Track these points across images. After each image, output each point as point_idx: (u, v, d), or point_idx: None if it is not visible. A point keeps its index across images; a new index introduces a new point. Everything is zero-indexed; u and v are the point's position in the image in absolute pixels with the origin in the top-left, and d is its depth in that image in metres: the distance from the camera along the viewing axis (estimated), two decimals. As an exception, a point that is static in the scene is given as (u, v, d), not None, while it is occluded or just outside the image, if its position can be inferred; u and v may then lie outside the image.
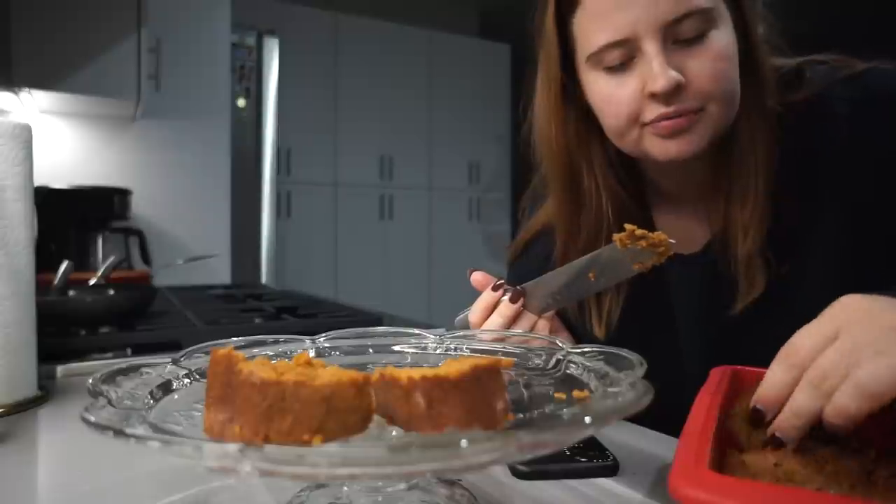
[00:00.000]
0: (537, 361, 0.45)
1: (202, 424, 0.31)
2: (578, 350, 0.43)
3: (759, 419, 0.39)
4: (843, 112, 0.59)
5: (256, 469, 0.25)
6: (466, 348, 0.49)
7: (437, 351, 0.49)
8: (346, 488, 0.37)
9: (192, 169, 2.30)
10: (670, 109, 0.55)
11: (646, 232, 0.54)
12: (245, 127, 2.83)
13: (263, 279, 2.90)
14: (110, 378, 0.35)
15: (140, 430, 0.28)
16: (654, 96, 0.56)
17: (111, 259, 1.28)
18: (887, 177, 0.58)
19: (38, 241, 0.67)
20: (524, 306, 0.63)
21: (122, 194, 1.87)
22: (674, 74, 0.54)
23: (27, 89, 1.65)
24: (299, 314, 1.13)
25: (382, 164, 3.67)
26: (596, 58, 0.58)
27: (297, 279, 3.19)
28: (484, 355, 0.47)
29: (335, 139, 3.51)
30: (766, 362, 0.41)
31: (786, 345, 0.40)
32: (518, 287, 0.63)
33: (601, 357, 0.40)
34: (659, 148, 0.58)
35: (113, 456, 0.50)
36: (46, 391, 0.67)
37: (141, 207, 2.10)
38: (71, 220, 1.77)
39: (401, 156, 3.72)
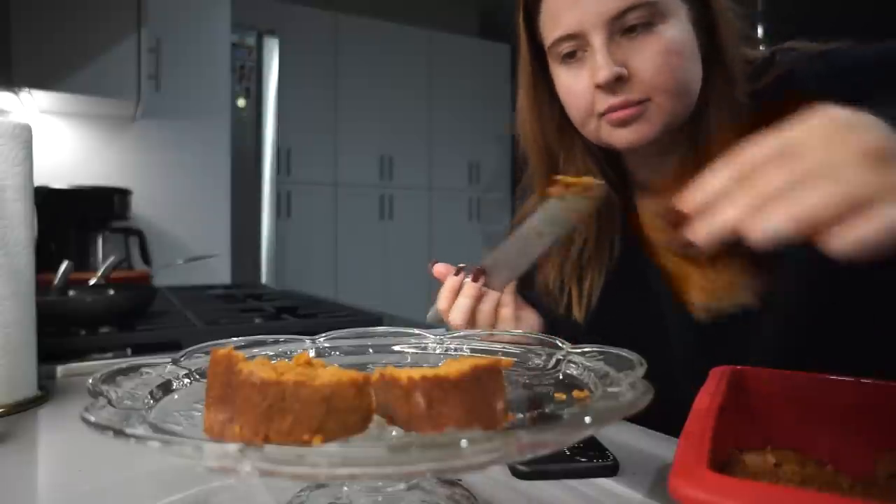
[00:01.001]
0: (537, 361, 0.45)
1: (202, 424, 0.31)
2: (578, 350, 0.43)
3: (677, 219, 0.38)
4: (812, 87, 0.59)
5: (256, 469, 0.25)
6: (466, 348, 0.49)
7: (437, 351, 0.49)
8: (346, 488, 0.37)
9: (192, 169, 2.30)
10: (617, 100, 0.59)
11: (575, 179, 0.58)
12: (245, 127, 2.83)
13: (263, 279, 2.90)
14: (110, 378, 0.35)
15: (140, 430, 0.28)
16: (599, 87, 0.59)
17: (111, 259, 1.27)
18: None
19: (38, 241, 0.67)
20: (487, 284, 0.66)
21: (122, 194, 1.87)
22: (615, 68, 0.58)
23: (27, 89, 1.65)
24: (299, 314, 1.13)
25: (382, 164, 3.67)
26: (553, 51, 0.63)
27: (297, 279, 3.19)
28: (484, 355, 0.47)
29: (335, 139, 3.51)
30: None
31: (737, 152, 0.37)
32: (477, 266, 0.66)
33: (601, 357, 0.40)
34: (615, 136, 0.62)
35: (113, 456, 0.50)
36: (46, 391, 0.67)
37: (141, 207, 2.10)
38: (71, 220, 1.77)
39: (401, 156, 3.72)
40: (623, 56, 0.58)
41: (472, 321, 0.65)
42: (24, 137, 0.64)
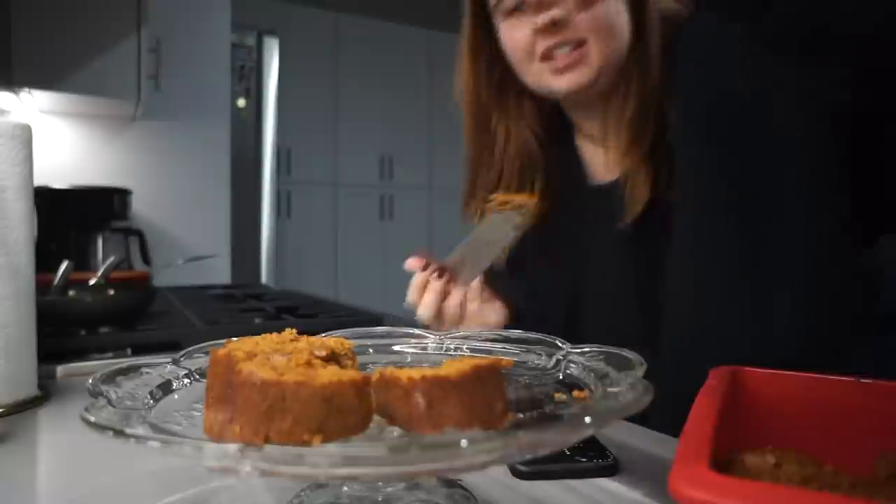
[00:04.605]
0: (537, 361, 0.45)
1: (202, 424, 0.31)
2: (578, 350, 0.43)
3: None
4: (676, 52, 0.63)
5: (256, 469, 0.25)
6: (466, 348, 0.49)
7: (437, 351, 0.49)
8: (346, 488, 0.37)
9: (192, 169, 2.30)
10: (555, 41, 0.64)
11: (509, 197, 0.66)
12: (245, 127, 2.83)
13: (263, 279, 2.90)
14: (110, 378, 0.35)
15: (140, 430, 0.28)
16: (538, 32, 0.64)
17: (111, 259, 1.27)
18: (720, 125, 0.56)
19: (38, 241, 0.67)
20: (453, 280, 0.69)
21: (122, 194, 1.87)
22: (553, 10, 0.62)
23: (27, 89, 1.65)
24: (299, 314, 1.13)
25: (382, 164, 3.67)
26: (498, 8, 0.68)
27: (297, 279, 3.19)
28: (484, 355, 0.47)
29: (335, 139, 3.51)
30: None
31: None
32: (440, 263, 0.70)
33: (601, 357, 0.40)
34: (556, 82, 0.67)
35: (113, 456, 0.50)
36: (46, 391, 0.67)
37: (141, 207, 2.10)
38: (71, 220, 1.76)
39: (401, 156, 3.72)
40: (559, 2, 0.63)
41: (439, 315, 0.68)
42: (24, 137, 0.64)
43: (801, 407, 0.42)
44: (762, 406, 0.43)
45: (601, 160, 0.75)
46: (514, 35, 0.67)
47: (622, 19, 0.65)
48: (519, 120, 0.76)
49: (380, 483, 0.36)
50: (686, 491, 0.26)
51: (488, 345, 0.49)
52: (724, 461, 0.36)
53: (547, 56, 0.65)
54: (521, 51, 0.68)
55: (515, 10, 0.66)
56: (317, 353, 0.35)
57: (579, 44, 0.64)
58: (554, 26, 0.63)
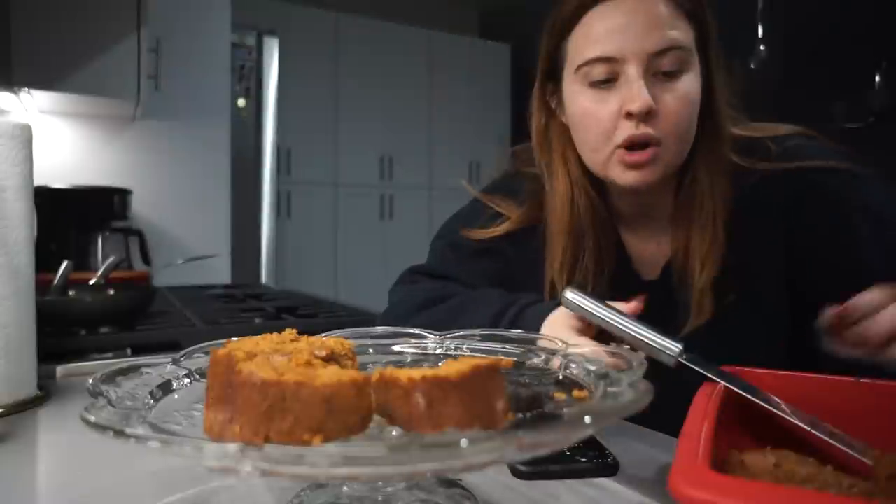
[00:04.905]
0: (537, 361, 0.45)
1: (202, 424, 0.31)
2: (578, 350, 0.43)
3: (843, 323, 0.50)
4: (779, 200, 0.67)
5: (256, 469, 0.25)
6: (466, 348, 0.49)
7: (437, 351, 0.49)
8: (346, 488, 0.37)
9: (192, 169, 2.30)
10: (638, 132, 0.61)
11: None
12: (245, 127, 2.83)
13: (263, 279, 2.90)
14: (110, 378, 0.35)
15: (140, 430, 0.28)
16: (629, 116, 0.61)
17: (111, 259, 1.27)
18: (814, 265, 0.66)
19: (38, 241, 0.67)
20: None
21: (122, 194, 1.87)
22: (650, 99, 0.60)
23: (27, 89, 1.65)
24: (299, 314, 1.13)
25: (382, 164, 3.67)
26: (583, 70, 0.64)
27: (297, 279, 3.19)
28: (484, 355, 0.47)
29: (335, 139, 3.51)
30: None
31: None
32: None
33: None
34: (622, 175, 0.64)
35: (113, 456, 0.50)
36: (46, 391, 0.67)
37: (141, 207, 2.10)
38: (71, 220, 1.76)
39: (401, 156, 3.72)
40: (653, 93, 0.61)
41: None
42: (24, 137, 0.64)
43: (801, 407, 0.42)
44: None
45: (643, 248, 0.74)
46: (598, 112, 0.64)
47: (695, 123, 0.64)
48: (578, 176, 0.71)
49: (380, 483, 0.36)
50: (686, 490, 0.26)
51: (488, 345, 0.49)
52: (723, 461, 0.37)
53: (624, 145, 0.62)
54: (599, 128, 0.64)
55: (605, 83, 0.63)
56: (317, 353, 0.35)
57: (656, 142, 0.62)
58: (647, 115, 0.60)
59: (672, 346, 0.48)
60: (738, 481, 0.26)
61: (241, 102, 2.81)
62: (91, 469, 0.48)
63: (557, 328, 0.59)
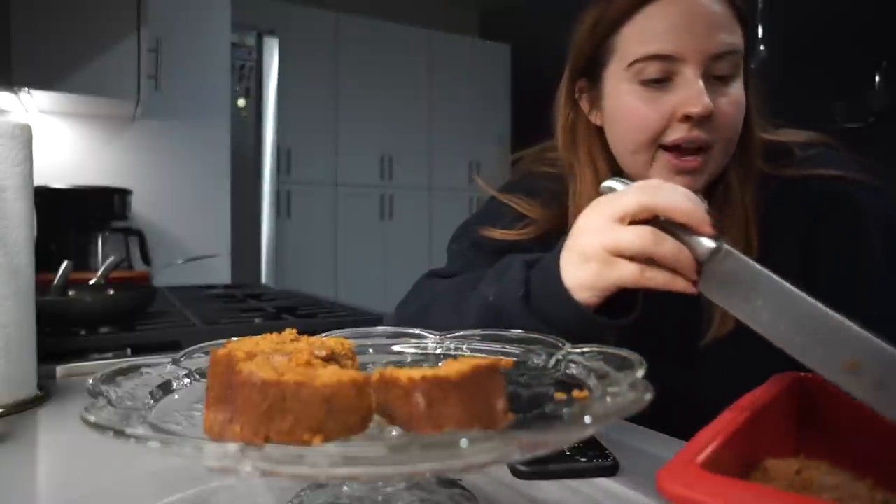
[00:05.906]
0: (537, 361, 0.45)
1: (202, 424, 0.31)
2: (578, 350, 0.43)
3: None
4: (798, 209, 0.66)
5: (256, 469, 0.25)
6: (466, 348, 0.49)
7: (437, 351, 0.49)
8: (346, 488, 0.37)
9: (192, 169, 2.30)
10: (693, 135, 0.59)
11: None
12: (245, 127, 2.83)
13: (263, 279, 2.90)
14: (110, 378, 0.35)
15: (140, 430, 0.28)
16: (686, 118, 0.59)
17: (111, 259, 1.27)
18: (836, 272, 0.64)
19: (38, 241, 0.67)
20: None
21: (122, 194, 1.87)
22: (710, 103, 0.58)
23: (27, 89, 1.65)
24: (299, 314, 1.12)
25: (382, 164, 3.67)
26: (636, 67, 0.61)
27: (297, 279, 3.19)
28: (484, 355, 0.47)
29: (335, 139, 3.51)
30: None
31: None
32: None
33: (601, 357, 0.40)
34: (669, 180, 0.60)
35: (113, 456, 0.50)
36: (46, 391, 0.67)
37: (141, 207, 2.10)
38: (71, 220, 1.76)
39: (401, 156, 3.72)
40: (710, 96, 0.59)
41: None
42: (24, 137, 0.64)
43: (863, 420, 0.38)
44: (825, 416, 0.42)
45: None
46: (648, 112, 0.61)
47: (739, 132, 0.62)
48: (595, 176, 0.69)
49: (380, 483, 0.36)
50: (667, 486, 0.26)
51: (488, 345, 0.49)
52: (749, 465, 0.36)
53: (672, 148, 0.60)
54: (645, 128, 0.61)
55: (657, 82, 0.60)
56: (317, 353, 0.35)
57: (707, 148, 0.60)
58: (704, 118, 0.58)
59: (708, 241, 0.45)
60: (723, 480, 0.26)
61: (241, 102, 2.81)
62: (91, 469, 0.48)
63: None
